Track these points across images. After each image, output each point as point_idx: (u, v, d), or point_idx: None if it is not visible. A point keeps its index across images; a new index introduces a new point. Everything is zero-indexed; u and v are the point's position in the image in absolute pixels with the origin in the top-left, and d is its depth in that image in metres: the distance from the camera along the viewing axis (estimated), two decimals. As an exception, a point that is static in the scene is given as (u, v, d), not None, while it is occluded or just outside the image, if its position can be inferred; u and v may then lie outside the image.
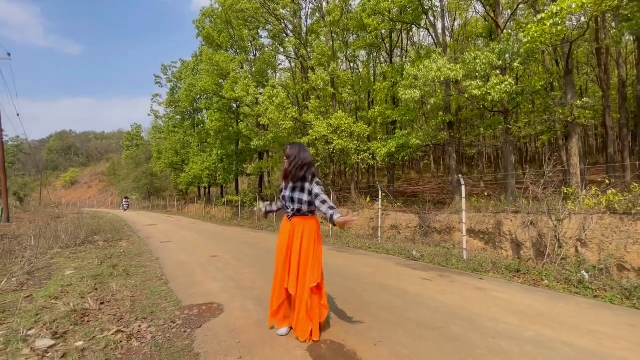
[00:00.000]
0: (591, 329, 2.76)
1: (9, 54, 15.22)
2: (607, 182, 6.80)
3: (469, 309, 3.29)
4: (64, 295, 3.80)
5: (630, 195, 5.97)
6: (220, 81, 18.72)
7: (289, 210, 2.78)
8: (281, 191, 2.91)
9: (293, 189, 2.76)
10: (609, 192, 6.14)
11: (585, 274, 4.61)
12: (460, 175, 6.83)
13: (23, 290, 4.15)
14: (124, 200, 35.37)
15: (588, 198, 6.49)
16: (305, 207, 2.71)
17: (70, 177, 68.81)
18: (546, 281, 4.45)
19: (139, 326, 2.96)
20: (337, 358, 2.28)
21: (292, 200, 2.75)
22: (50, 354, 2.45)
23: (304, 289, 2.58)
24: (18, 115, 19.50)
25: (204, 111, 25.51)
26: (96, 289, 4.08)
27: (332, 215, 2.48)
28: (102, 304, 3.57)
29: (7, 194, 13.62)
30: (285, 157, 2.83)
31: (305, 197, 2.71)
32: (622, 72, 14.93)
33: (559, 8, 7.39)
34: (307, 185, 2.73)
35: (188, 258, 6.30)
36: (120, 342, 2.64)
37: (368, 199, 11.95)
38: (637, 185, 6.20)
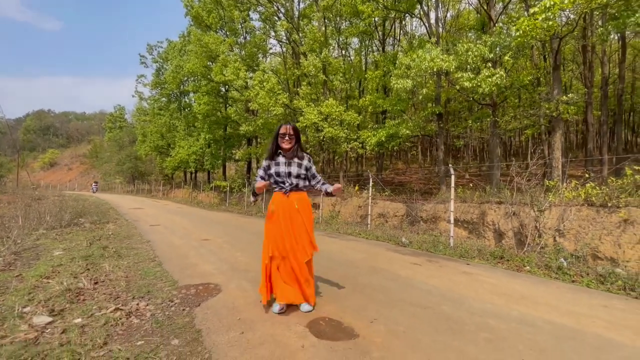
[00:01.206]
0: (570, 310, 2.96)
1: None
2: (587, 175, 7.12)
3: (457, 291, 3.45)
4: (56, 275, 3.76)
5: (607, 189, 6.29)
6: (209, 63, 18.22)
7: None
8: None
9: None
10: (587, 185, 6.45)
11: (563, 261, 4.88)
12: (449, 164, 6.99)
13: (11, 269, 4.07)
14: (94, 183, 38.61)
15: (568, 191, 6.80)
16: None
17: (49, 158, 66.28)
18: (528, 267, 4.68)
19: (137, 304, 2.98)
20: (337, 333, 2.37)
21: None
22: (49, 329, 2.45)
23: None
24: (-7, 91, 18.46)
25: (192, 94, 24.90)
26: (88, 269, 4.04)
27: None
28: (96, 283, 3.56)
29: (-17, 174, 13.04)
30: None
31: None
32: (605, 70, 15.40)
33: (551, 3, 7.52)
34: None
35: (180, 241, 6.28)
36: (120, 319, 2.66)
37: (357, 187, 12.08)
38: (613, 179, 6.53)
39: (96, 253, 4.85)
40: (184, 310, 2.86)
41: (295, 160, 2.88)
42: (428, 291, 3.43)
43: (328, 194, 2.97)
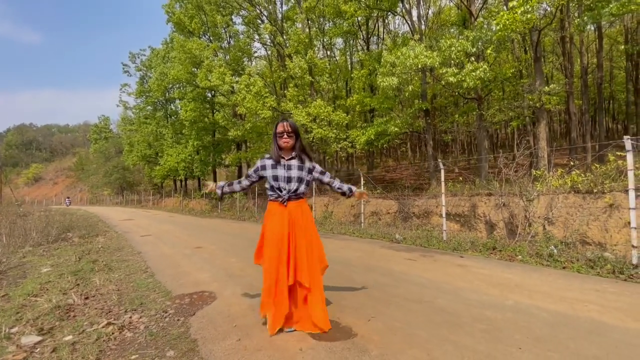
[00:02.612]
0: (563, 296, 3.00)
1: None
2: (571, 164, 7.28)
3: (452, 283, 3.47)
4: (44, 293, 3.65)
5: (592, 176, 6.44)
6: (193, 69, 18.06)
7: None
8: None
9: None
10: (573, 173, 6.59)
11: (554, 248, 4.97)
12: (439, 160, 7.06)
13: (-3, 289, 3.94)
14: (67, 198, 40.71)
15: (555, 179, 6.94)
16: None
17: (33, 173, 64.61)
18: (520, 256, 4.75)
19: (130, 317, 2.92)
20: (335, 334, 2.36)
21: (289, 180, 2.47)
22: (38, 349, 2.38)
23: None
24: (-30, 107, 17.94)
25: (177, 101, 24.61)
26: (78, 285, 3.94)
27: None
28: (86, 298, 3.47)
29: (-36, 193, 12.64)
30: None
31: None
32: (584, 60, 15.79)
33: (529, -4, 7.68)
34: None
35: (171, 250, 6.19)
36: (113, 333, 2.59)
37: (349, 186, 12.10)
38: (597, 165, 6.70)
39: (86, 267, 4.73)
40: (178, 320, 2.80)
41: (295, 162, 2.51)
42: (423, 285, 3.45)
43: (348, 195, 2.70)
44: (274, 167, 2.50)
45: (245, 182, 2.68)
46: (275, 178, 2.48)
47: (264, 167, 2.54)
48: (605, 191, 5.97)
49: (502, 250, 5.07)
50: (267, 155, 2.58)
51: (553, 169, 8.15)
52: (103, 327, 2.73)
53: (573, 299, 2.90)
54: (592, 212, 6.11)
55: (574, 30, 12.85)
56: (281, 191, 2.48)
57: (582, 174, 6.51)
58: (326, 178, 2.67)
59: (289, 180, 2.48)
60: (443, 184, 6.61)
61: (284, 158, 2.51)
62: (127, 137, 30.40)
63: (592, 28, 15.97)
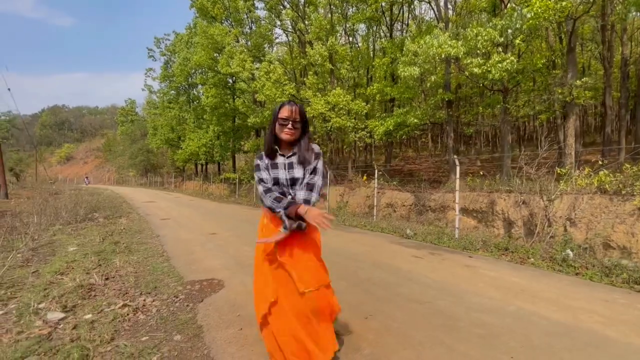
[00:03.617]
0: (569, 304, 2.95)
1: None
2: (600, 162, 6.92)
3: (457, 285, 3.47)
4: (70, 271, 3.95)
5: (621, 176, 6.12)
6: (215, 55, 18.23)
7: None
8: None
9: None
10: (600, 172, 6.29)
11: (570, 252, 4.81)
12: (455, 157, 6.91)
13: (29, 265, 4.30)
14: (86, 177, 43.48)
15: (581, 178, 6.64)
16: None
17: (65, 152, 68.20)
18: (532, 259, 4.65)
19: (144, 300, 3.13)
20: (331, 330, 2.45)
21: (292, 183, 1.84)
22: (61, 325, 2.61)
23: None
24: (9, 89, 19.07)
25: (199, 86, 25.01)
26: (100, 265, 4.23)
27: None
28: (107, 279, 3.73)
29: (4, 170, 13.59)
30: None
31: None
32: (625, 50, 14.68)
33: (564, -18, 7.20)
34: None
35: (188, 235, 6.46)
36: (127, 315, 2.80)
37: (364, 177, 12.06)
38: (629, 165, 6.34)
39: (108, 249, 5.05)
40: (187, 306, 2.98)
41: (295, 160, 1.84)
42: (427, 285, 3.47)
43: (294, 219, 1.72)
44: (274, 167, 1.86)
45: (275, 191, 1.84)
46: (277, 181, 1.84)
47: (267, 168, 1.88)
48: (635, 193, 5.69)
49: (514, 252, 4.97)
50: (263, 150, 1.95)
51: (582, 166, 7.78)
52: (119, 307, 2.95)
53: (578, 308, 2.85)
54: (618, 214, 5.85)
55: (615, 18, 11.94)
56: (284, 195, 1.84)
57: (611, 174, 6.20)
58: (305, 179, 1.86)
59: (292, 183, 1.84)
60: (458, 180, 6.48)
61: (283, 155, 1.86)
62: (152, 121, 31.35)
63: (637, 15, 14.73)
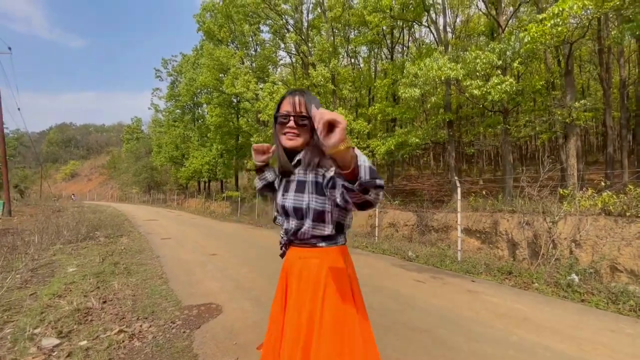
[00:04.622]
0: (573, 334, 2.87)
1: (10, 48, 15.22)
2: (603, 183, 6.90)
3: (458, 312, 3.40)
4: (68, 294, 3.92)
5: (625, 197, 6.07)
6: (220, 76, 18.71)
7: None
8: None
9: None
10: (604, 193, 6.24)
11: (575, 277, 4.72)
12: (456, 178, 6.92)
13: (27, 287, 4.28)
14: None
15: (584, 199, 6.59)
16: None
17: (70, 169, 69.01)
18: (536, 284, 4.56)
19: (140, 326, 3.09)
20: (329, 361, 2.39)
21: (291, 212, 1.23)
22: (55, 352, 2.57)
23: None
24: (19, 109, 19.58)
25: (204, 105, 25.52)
26: (98, 287, 4.20)
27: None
28: (104, 302, 3.69)
29: (8, 188, 13.73)
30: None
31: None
32: (623, 71, 14.93)
33: (560, 9, 7.40)
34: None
35: (188, 256, 6.43)
36: (123, 341, 2.76)
37: (367, 196, 12.04)
38: (632, 187, 6.30)
39: (107, 270, 5.02)
40: (184, 332, 2.93)
41: (301, 173, 1.23)
42: (428, 312, 3.40)
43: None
44: (280, 186, 1.33)
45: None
46: (277, 206, 1.31)
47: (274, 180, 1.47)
48: (640, 215, 5.62)
49: (518, 276, 4.89)
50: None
51: (585, 187, 7.74)
52: (115, 333, 2.91)
53: (584, 339, 2.77)
54: (624, 237, 5.76)
55: (611, 42, 12.19)
56: (281, 227, 1.33)
57: (614, 196, 6.15)
58: (336, 191, 1.09)
59: (290, 213, 1.23)
60: (459, 202, 6.46)
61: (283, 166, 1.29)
62: (157, 139, 31.82)
63: (633, 39, 15.05)
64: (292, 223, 1.22)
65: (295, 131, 1.21)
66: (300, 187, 1.20)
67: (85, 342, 2.74)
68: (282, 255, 1.30)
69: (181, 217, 16.74)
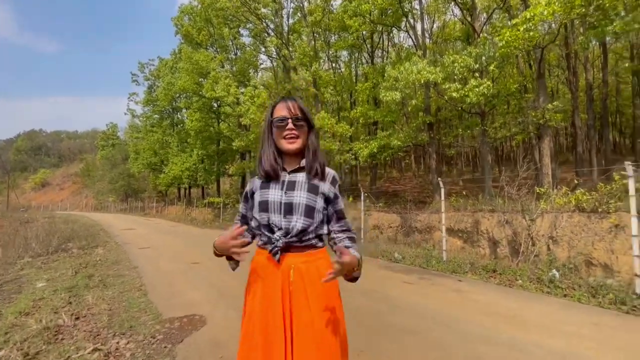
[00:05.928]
0: (560, 329, 2.91)
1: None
2: (576, 181, 7.18)
3: (448, 312, 3.39)
4: (36, 311, 3.64)
5: (597, 195, 6.32)
6: (200, 80, 18.34)
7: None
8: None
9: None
10: (577, 191, 6.49)
11: (556, 273, 4.85)
12: (439, 178, 7.01)
13: (-10, 306, 3.94)
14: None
15: (559, 197, 6.82)
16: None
17: (40, 178, 65.58)
18: (520, 281, 4.64)
19: (117, 343, 2.88)
20: (321, 370, 2.30)
21: (287, 211, 1.23)
22: (21, 377, 2.35)
23: None
24: (-18, 114, 18.36)
25: (184, 110, 24.96)
26: (70, 303, 3.92)
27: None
28: (77, 319, 3.44)
29: (-30, 199, 12.82)
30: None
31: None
32: (589, 75, 15.75)
33: (531, 14, 7.70)
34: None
35: (168, 266, 6.16)
36: (97, 361, 2.56)
37: (350, 198, 12.06)
38: (602, 185, 6.58)
39: (81, 283, 4.72)
40: (165, 347, 2.76)
41: (303, 176, 1.28)
42: (418, 314, 3.37)
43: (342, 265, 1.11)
44: (264, 187, 1.30)
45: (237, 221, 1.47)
46: (264, 206, 1.26)
47: (252, 194, 1.36)
48: (611, 211, 5.86)
49: (502, 274, 4.96)
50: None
51: (558, 185, 8.04)
52: (89, 352, 2.70)
53: (571, 334, 2.81)
54: (597, 232, 5.98)
55: (578, 47, 12.83)
56: (272, 231, 1.25)
57: (587, 193, 6.40)
58: (336, 225, 1.33)
59: (288, 209, 1.23)
60: (443, 203, 6.54)
61: (285, 169, 1.31)
62: (134, 145, 30.79)
63: (597, 44, 15.92)
64: (299, 222, 1.22)
65: (295, 132, 1.27)
66: (311, 191, 1.26)
67: (55, 363, 2.52)
68: (275, 252, 1.23)
69: (160, 225, 16.18)
